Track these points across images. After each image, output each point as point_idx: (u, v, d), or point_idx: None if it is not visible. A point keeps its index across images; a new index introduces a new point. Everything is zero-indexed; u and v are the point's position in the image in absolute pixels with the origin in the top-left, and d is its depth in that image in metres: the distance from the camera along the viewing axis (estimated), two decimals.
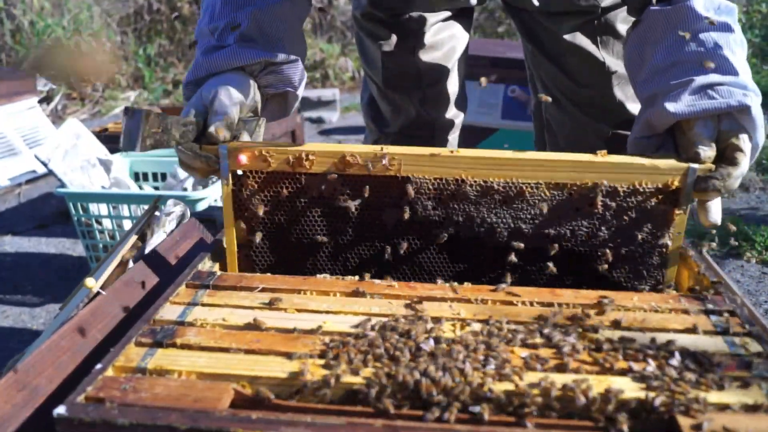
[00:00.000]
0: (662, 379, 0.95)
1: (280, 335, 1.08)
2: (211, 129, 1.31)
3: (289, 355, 1.02)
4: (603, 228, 1.33)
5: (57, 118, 6.09)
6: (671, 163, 1.28)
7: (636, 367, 0.99)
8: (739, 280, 2.68)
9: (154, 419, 0.86)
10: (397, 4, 1.88)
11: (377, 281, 1.30)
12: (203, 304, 1.20)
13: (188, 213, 1.66)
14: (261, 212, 1.36)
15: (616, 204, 1.31)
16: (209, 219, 1.62)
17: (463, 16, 2.04)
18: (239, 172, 1.35)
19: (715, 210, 1.33)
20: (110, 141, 3.19)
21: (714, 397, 0.92)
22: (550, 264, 1.34)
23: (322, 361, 1.00)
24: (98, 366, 0.98)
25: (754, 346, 1.04)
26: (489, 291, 1.25)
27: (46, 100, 5.96)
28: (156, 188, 3.06)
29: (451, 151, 1.32)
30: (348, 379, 0.96)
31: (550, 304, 1.20)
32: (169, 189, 2.94)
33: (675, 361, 1.00)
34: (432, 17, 1.93)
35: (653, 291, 1.35)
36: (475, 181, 1.32)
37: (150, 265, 1.40)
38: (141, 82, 7.44)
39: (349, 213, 1.35)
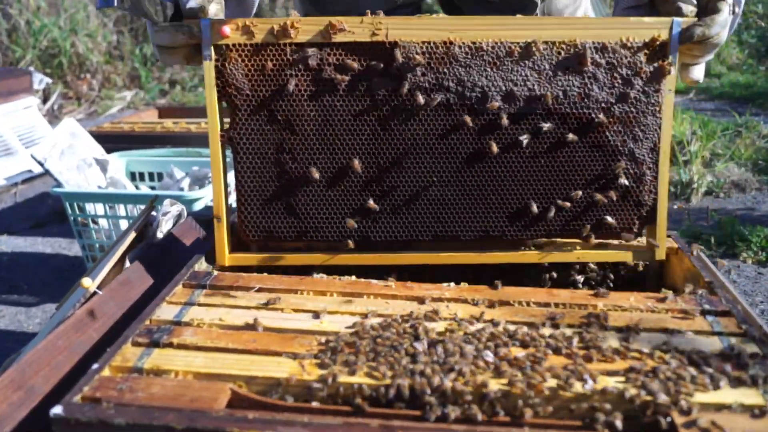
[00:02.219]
0: (658, 378, 0.95)
1: (277, 335, 1.08)
2: (192, 3, 1.27)
3: (285, 355, 1.02)
4: (595, 87, 1.33)
5: (53, 117, 6.07)
6: (656, 18, 1.32)
7: (632, 366, 0.99)
8: (735, 281, 2.68)
9: (150, 419, 0.86)
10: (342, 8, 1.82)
11: (374, 281, 1.30)
12: (200, 304, 1.20)
13: (185, 213, 1.65)
14: (246, 88, 1.32)
15: (605, 61, 1.32)
16: (206, 219, 1.61)
17: None
18: (222, 46, 1.31)
19: (698, 70, 1.40)
20: (107, 141, 3.18)
21: (710, 396, 0.92)
22: (546, 125, 1.33)
23: (318, 361, 1.00)
24: (95, 366, 0.97)
25: (750, 347, 1.04)
26: (486, 291, 1.26)
27: (42, 99, 5.95)
28: (152, 188, 3.05)
29: (438, 15, 1.30)
30: (344, 378, 0.96)
31: (547, 304, 1.21)
32: (166, 189, 2.93)
33: (671, 360, 1.01)
34: None
35: (650, 161, 1.36)
36: (463, 43, 1.31)
37: (147, 265, 1.40)
38: (137, 82, 7.43)
39: (337, 86, 1.32)
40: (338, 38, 1.31)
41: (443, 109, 1.33)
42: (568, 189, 1.36)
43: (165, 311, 1.16)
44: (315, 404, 0.94)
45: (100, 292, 1.25)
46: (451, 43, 1.31)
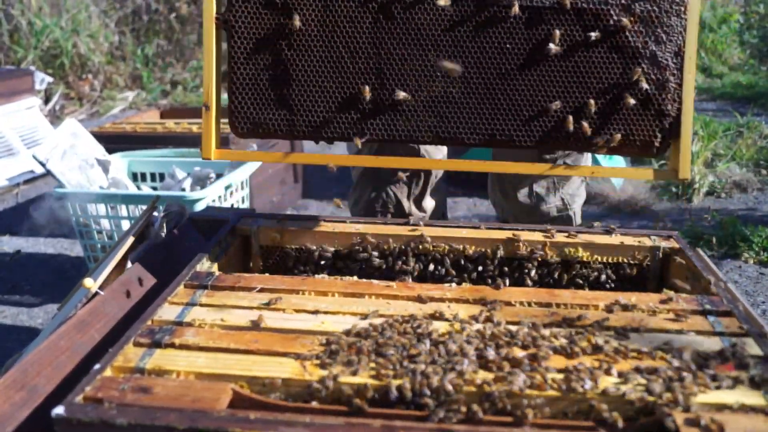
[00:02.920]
0: (660, 378, 0.95)
1: (279, 335, 1.08)
2: None
3: (287, 356, 1.02)
4: None
5: (55, 118, 6.08)
6: None
7: (633, 367, 0.99)
8: (736, 281, 2.68)
9: (152, 419, 0.86)
10: None
11: (375, 282, 1.30)
12: (202, 305, 1.20)
13: (186, 213, 1.65)
14: None
15: None
16: (208, 219, 1.61)
17: None
18: None
19: None
20: (108, 141, 3.18)
21: (711, 396, 0.92)
22: (562, 23, 1.25)
23: (319, 362, 1.00)
24: (97, 366, 0.98)
25: (751, 347, 1.04)
26: (487, 291, 1.25)
27: (44, 99, 5.95)
28: (154, 188, 3.05)
29: None
30: (346, 379, 0.96)
31: (548, 305, 1.21)
32: (167, 189, 2.93)
33: (672, 361, 1.01)
34: None
35: (674, 67, 1.28)
36: None
37: (148, 265, 1.40)
38: (139, 82, 7.43)
39: None
40: None
41: None
42: (584, 93, 1.28)
43: (167, 312, 1.16)
44: (316, 404, 0.94)
45: (102, 293, 1.25)
46: None
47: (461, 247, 1.45)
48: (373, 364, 0.99)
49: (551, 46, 1.26)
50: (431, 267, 1.46)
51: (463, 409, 0.91)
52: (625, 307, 1.19)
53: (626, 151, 1.32)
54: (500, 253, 1.44)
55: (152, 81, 7.43)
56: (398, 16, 1.28)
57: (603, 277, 1.45)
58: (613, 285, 1.45)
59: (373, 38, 1.29)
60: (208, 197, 2.47)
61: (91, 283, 1.25)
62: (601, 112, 1.29)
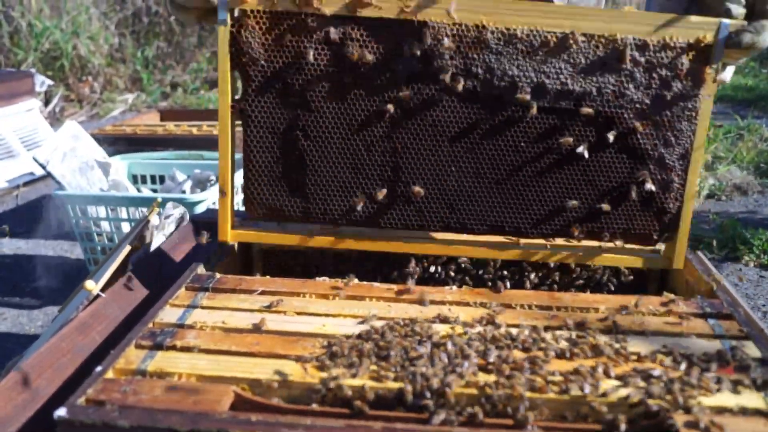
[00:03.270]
0: (660, 381, 0.95)
1: (280, 338, 1.09)
2: None
3: (288, 358, 1.02)
4: (631, 86, 1.27)
5: (55, 120, 6.08)
6: (703, 18, 1.25)
7: (634, 369, 0.99)
8: (737, 284, 2.68)
9: (154, 421, 0.86)
10: None
11: (376, 284, 1.30)
12: (203, 307, 1.20)
13: (187, 216, 1.66)
14: (261, 58, 1.27)
15: (645, 59, 1.25)
16: (208, 221, 1.61)
17: None
18: (238, 12, 1.27)
19: (728, 71, 1.36)
20: (109, 143, 3.19)
21: (712, 399, 0.92)
22: (581, 118, 1.28)
23: (320, 364, 1.00)
24: (98, 368, 0.98)
25: (752, 350, 1.05)
26: (488, 295, 1.26)
27: (44, 101, 5.95)
28: (154, 191, 3.05)
29: None
30: (346, 381, 0.96)
31: (549, 308, 1.21)
32: (167, 192, 2.93)
33: (673, 363, 1.01)
34: None
35: (680, 168, 1.31)
36: (496, 28, 1.25)
37: (149, 267, 1.40)
38: (139, 84, 7.44)
39: (358, 63, 1.26)
40: (364, 13, 1.25)
41: (468, 97, 1.28)
42: (591, 189, 1.32)
43: (168, 314, 1.16)
44: (317, 407, 0.95)
45: (104, 295, 1.25)
46: (483, 27, 1.25)
47: (462, 249, 1.45)
48: (374, 367, 0.99)
49: (570, 145, 1.30)
50: (432, 269, 1.46)
51: (464, 411, 0.91)
52: (626, 310, 1.19)
53: (625, 242, 1.37)
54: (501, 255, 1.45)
55: (152, 83, 7.44)
56: (415, 111, 1.30)
57: (604, 279, 1.45)
58: (613, 288, 1.45)
59: (389, 133, 1.32)
60: (209, 200, 2.48)
61: (92, 286, 1.25)
62: (605, 208, 1.34)
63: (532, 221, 1.35)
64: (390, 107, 1.29)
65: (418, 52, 1.26)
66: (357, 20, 1.26)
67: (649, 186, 1.31)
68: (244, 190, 1.38)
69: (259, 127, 1.33)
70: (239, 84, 1.35)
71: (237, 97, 1.34)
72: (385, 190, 1.33)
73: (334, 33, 1.26)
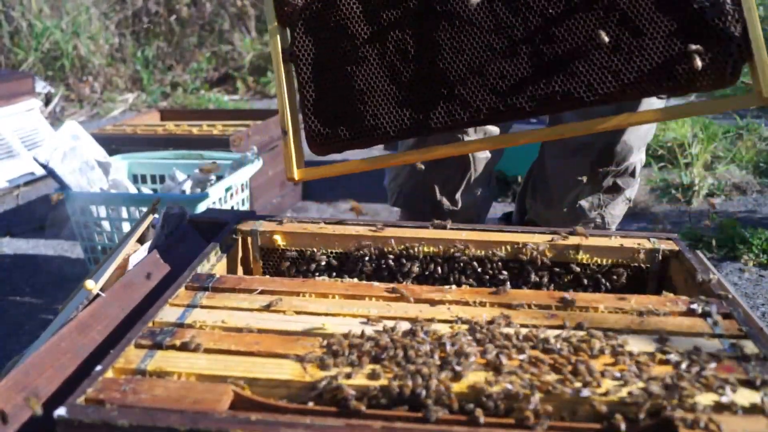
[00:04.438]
0: (659, 380, 0.96)
1: (279, 337, 1.09)
2: None
3: (288, 357, 1.03)
4: None
5: (55, 119, 6.08)
6: None
7: (633, 368, 0.99)
8: (736, 283, 2.68)
9: (154, 420, 0.87)
10: None
11: (376, 284, 1.30)
12: (202, 306, 1.20)
13: (187, 215, 1.66)
14: (300, 2, 1.40)
15: None
16: (208, 221, 1.62)
17: None
18: None
19: None
20: (109, 143, 3.19)
21: (711, 398, 0.93)
22: None
23: (320, 363, 1.01)
24: (98, 368, 0.98)
25: (750, 348, 1.05)
26: (487, 294, 1.26)
27: (45, 101, 5.96)
28: (154, 190, 3.05)
29: None
30: (346, 380, 0.96)
31: (549, 307, 1.21)
32: (167, 191, 2.94)
33: (672, 362, 1.01)
34: None
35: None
36: None
37: (149, 267, 1.41)
38: (139, 84, 7.44)
39: None
40: None
41: None
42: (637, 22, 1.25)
43: (168, 313, 1.17)
44: (317, 406, 0.95)
45: (103, 295, 1.25)
46: None
47: (462, 249, 1.45)
48: (373, 366, 1.00)
49: None
50: (432, 269, 1.46)
51: (464, 410, 0.91)
52: (625, 310, 1.19)
53: (700, 86, 1.25)
54: (501, 255, 1.45)
55: (152, 83, 7.44)
56: (440, 12, 1.35)
57: (603, 278, 1.45)
58: (612, 287, 1.45)
59: (421, 35, 1.36)
60: (209, 199, 2.48)
61: (92, 285, 1.25)
62: (659, 45, 1.24)
63: (584, 81, 1.28)
64: (416, 15, 1.35)
65: None
66: None
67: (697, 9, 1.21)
68: (304, 128, 1.45)
69: (307, 66, 1.42)
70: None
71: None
72: (428, 93, 1.36)
73: None
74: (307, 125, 1.44)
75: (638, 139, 1.87)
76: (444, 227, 1.51)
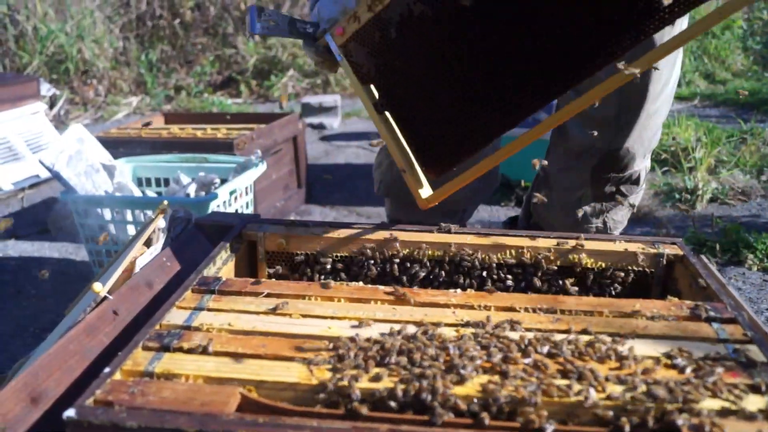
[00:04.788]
0: (663, 385, 0.96)
1: (286, 340, 1.09)
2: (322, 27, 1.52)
3: (294, 360, 1.03)
4: None
5: (60, 123, 6.10)
6: None
7: (638, 373, 0.99)
8: (740, 288, 2.68)
9: (162, 422, 0.87)
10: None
11: (381, 287, 1.31)
12: (209, 309, 1.21)
13: (192, 218, 1.67)
14: (371, 63, 1.48)
15: None
16: (213, 224, 1.63)
17: None
18: (346, 45, 1.48)
19: None
20: (114, 146, 3.20)
21: (715, 403, 0.93)
22: None
23: (326, 366, 1.01)
24: (106, 370, 0.99)
25: (755, 353, 1.05)
26: (493, 298, 1.26)
27: (49, 104, 5.98)
28: (159, 193, 3.07)
29: None
30: (352, 383, 0.97)
31: (553, 311, 1.21)
32: (172, 194, 2.95)
33: (676, 367, 1.01)
34: None
35: None
36: None
37: (155, 270, 1.41)
38: (143, 88, 7.46)
39: (424, 20, 1.39)
40: None
41: None
42: None
43: (175, 316, 1.17)
44: (324, 409, 0.95)
45: (111, 297, 1.26)
46: None
47: (467, 253, 1.46)
48: (379, 369, 1.00)
49: None
50: (437, 273, 1.47)
51: (469, 414, 0.92)
52: (629, 314, 1.20)
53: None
54: (506, 259, 1.45)
55: (156, 86, 7.46)
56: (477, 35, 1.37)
57: (607, 283, 1.46)
58: (617, 291, 1.46)
59: (479, 54, 1.38)
60: (214, 202, 2.49)
61: (100, 288, 1.26)
62: None
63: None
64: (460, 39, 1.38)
65: None
66: None
67: None
68: (417, 161, 1.50)
69: (398, 109, 1.50)
70: None
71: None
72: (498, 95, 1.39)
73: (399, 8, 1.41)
74: (418, 157, 1.50)
75: (641, 146, 1.87)
76: (449, 231, 1.51)
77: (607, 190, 1.90)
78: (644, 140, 1.87)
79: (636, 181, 1.94)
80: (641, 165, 1.92)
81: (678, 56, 1.84)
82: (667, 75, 1.81)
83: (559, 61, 1.30)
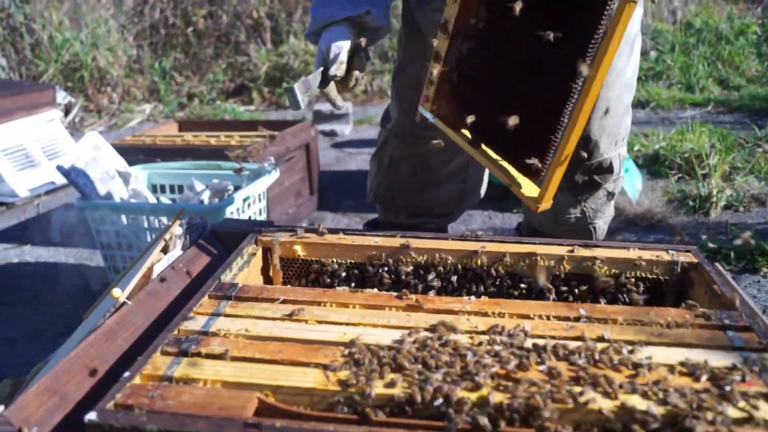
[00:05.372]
0: (679, 393, 0.96)
1: (302, 346, 1.10)
2: (331, 72, 1.67)
3: (311, 366, 1.04)
4: None
5: (74, 130, 6.16)
6: None
7: (652, 381, 1.00)
8: (755, 296, 2.67)
9: (181, 426, 0.88)
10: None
11: (395, 294, 1.32)
12: (226, 315, 1.22)
13: (208, 225, 1.68)
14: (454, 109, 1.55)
15: None
16: (229, 230, 1.64)
17: None
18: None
19: None
20: (128, 153, 3.23)
21: (732, 411, 0.93)
22: None
23: (342, 372, 1.02)
24: (126, 374, 1.00)
25: None
26: (506, 304, 1.27)
27: (64, 112, 6.04)
28: (173, 200, 3.09)
29: None
30: (368, 389, 0.98)
31: (567, 318, 1.22)
32: (186, 201, 2.97)
33: (692, 375, 1.01)
34: None
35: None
36: None
37: (173, 276, 1.43)
38: (156, 95, 7.52)
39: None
40: None
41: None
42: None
43: (192, 322, 1.19)
44: (340, 414, 0.96)
45: (129, 303, 1.28)
46: None
47: (479, 260, 1.46)
48: (394, 375, 1.01)
49: None
50: (450, 279, 1.48)
51: (483, 420, 0.92)
52: (644, 322, 1.20)
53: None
54: (519, 266, 1.46)
55: (169, 94, 7.52)
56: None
57: (621, 290, 1.46)
58: (631, 299, 1.46)
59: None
60: (228, 209, 2.51)
61: (119, 293, 1.28)
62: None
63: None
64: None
65: None
66: None
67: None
68: (517, 170, 1.48)
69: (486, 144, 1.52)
70: None
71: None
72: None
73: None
74: (516, 166, 1.46)
75: (604, 133, 1.88)
76: (465, 239, 1.52)
77: (578, 179, 1.90)
78: (606, 127, 1.88)
79: (609, 169, 1.93)
80: (612, 152, 1.91)
81: (634, 45, 1.86)
82: (622, 64, 1.83)
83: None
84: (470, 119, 1.46)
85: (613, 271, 1.45)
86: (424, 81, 1.63)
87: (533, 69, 1.35)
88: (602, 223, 2.02)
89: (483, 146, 1.53)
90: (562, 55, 1.28)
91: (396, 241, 1.51)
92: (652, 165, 4.28)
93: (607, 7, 1.20)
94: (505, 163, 1.47)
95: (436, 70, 1.56)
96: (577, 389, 0.97)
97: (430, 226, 2.23)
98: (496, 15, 1.42)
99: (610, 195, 2.00)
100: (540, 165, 1.35)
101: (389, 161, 2.17)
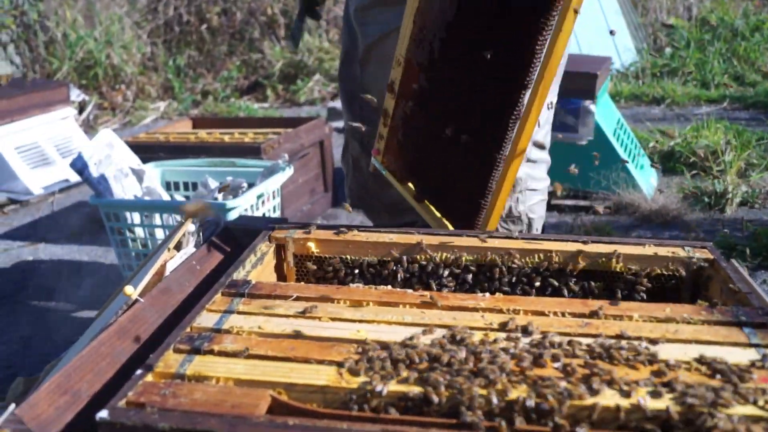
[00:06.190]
0: (695, 390, 0.95)
1: (316, 343, 1.10)
2: None
3: (324, 363, 1.04)
4: None
5: (89, 127, 6.19)
6: None
7: (668, 378, 0.99)
8: None
9: (194, 424, 0.88)
10: None
11: (410, 291, 1.31)
12: (239, 312, 1.22)
13: (222, 222, 1.68)
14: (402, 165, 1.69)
15: None
16: (243, 228, 1.64)
17: None
18: None
19: None
20: (142, 151, 3.24)
21: (748, 409, 0.92)
22: None
23: (356, 369, 1.02)
24: (138, 371, 1.00)
25: None
26: (521, 301, 1.26)
27: (78, 109, 6.07)
28: (187, 197, 3.10)
29: None
30: (382, 386, 0.97)
31: (582, 315, 1.21)
32: (200, 198, 2.97)
33: (708, 372, 1.00)
34: None
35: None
36: None
37: (186, 273, 1.43)
38: (171, 93, 7.55)
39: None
40: None
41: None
42: None
43: (205, 319, 1.19)
44: (353, 411, 0.96)
45: (142, 300, 1.28)
46: None
47: (494, 257, 1.45)
48: (408, 373, 1.00)
49: None
50: (464, 277, 1.47)
51: (498, 418, 0.92)
52: (660, 318, 1.18)
53: None
54: (534, 263, 1.45)
55: (183, 91, 7.54)
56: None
57: (637, 288, 1.44)
58: (646, 296, 1.44)
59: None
60: (242, 206, 2.51)
61: (131, 291, 1.28)
62: None
63: None
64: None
65: None
66: None
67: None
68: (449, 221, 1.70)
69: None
70: None
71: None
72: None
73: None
74: (450, 220, 1.67)
75: (512, 200, 1.94)
76: (476, 236, 1.51)
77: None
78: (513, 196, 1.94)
79: (519, 219, 1.99)
80: (520, 208, 1.98)
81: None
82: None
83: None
84: (411, 182, 1.66)
85: (629, 267, 1.44)
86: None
87: (469, 133, 1.49)
88: (537, 223, 2.08)
89: (426, 202, 1.69)
90: (485, 133, 1.45)
91: (411, 238, 1.50)
92: (667, 162, 4.25)
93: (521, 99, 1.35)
94: (445, 221, 1.65)
95: (385, 128, 1.66)
96: (592, 387, 0.96)
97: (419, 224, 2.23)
98: (435, 84, 1.52)
99: (534, 190, 2.02)
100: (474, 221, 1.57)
101: (353, 162, 2.17)
